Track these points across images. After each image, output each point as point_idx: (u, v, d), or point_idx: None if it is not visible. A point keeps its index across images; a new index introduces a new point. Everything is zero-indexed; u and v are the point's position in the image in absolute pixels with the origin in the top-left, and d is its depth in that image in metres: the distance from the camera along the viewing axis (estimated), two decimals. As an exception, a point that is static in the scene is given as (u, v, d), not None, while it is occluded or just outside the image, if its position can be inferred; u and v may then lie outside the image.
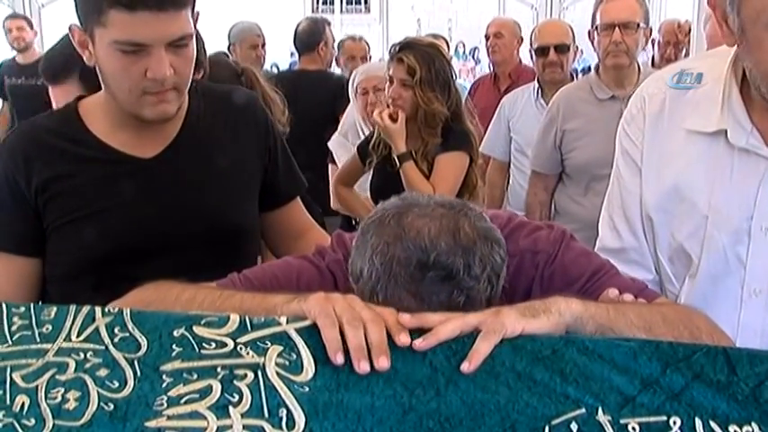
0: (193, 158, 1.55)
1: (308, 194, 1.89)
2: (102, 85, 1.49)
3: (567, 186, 3.02)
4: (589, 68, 4.34)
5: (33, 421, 0.96)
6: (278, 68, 11.24)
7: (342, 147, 3.28)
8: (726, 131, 1.31)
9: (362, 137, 3.19)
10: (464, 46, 13.75)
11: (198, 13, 1.48)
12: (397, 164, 2.68)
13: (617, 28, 2.77)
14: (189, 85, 1.50)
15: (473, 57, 12.59)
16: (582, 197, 2.89)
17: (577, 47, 3.59)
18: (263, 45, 4.29)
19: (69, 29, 1.46)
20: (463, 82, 10.65)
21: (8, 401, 0.98)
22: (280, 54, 8.65)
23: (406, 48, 2.76)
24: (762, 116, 1.29)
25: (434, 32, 5.77)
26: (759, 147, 1.29)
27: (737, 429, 0.96)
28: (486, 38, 4.31)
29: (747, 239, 1.30)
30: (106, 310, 1.06)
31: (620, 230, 1.48)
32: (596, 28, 2.86)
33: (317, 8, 12.11)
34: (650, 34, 2.99)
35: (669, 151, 1.40)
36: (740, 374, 0.99)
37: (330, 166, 3.26)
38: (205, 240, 1.54)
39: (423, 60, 2.74)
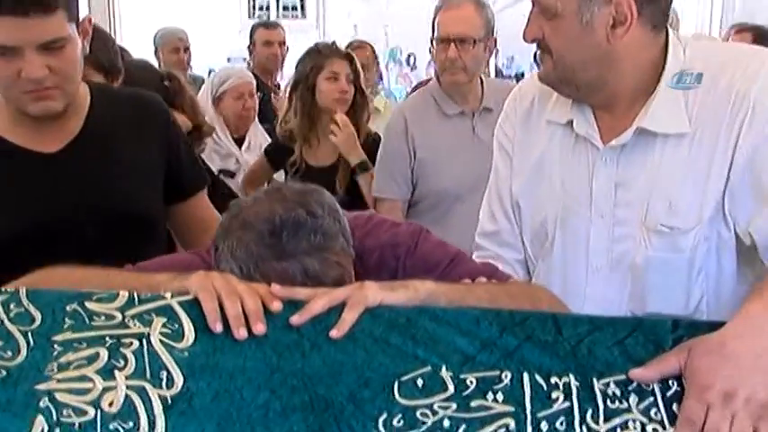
0: (95, 153, 1.64)
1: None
2: None
3: (423, 212, 2.65)
4: (522, 75, 4.38)
5: None
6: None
7: (207, 157, 3.25)
8: (573, 121, 1.46)
9: (224, 142, 3.31)
10: (401, 51, 13.92)
11: (89, 19, 1.57)
12: (355, 173, 2.82)
13: (452, 43, 2.51)
14: (75, 83, 1.58)
15: (408, 63, 12.77)
16: (441, 223, 2.46)
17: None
18: (186, 49, 4.35)
19: None
20: (400, 87, 10.76)
21: None
22: (217, 59, 8.69)
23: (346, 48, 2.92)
24: (600, 113, 1.44)
25: (368, 38, 5.87)
26: (594, 137, 1.43)
27: (557, 380, 1.10)
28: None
29: (589, 223, 1.45)
30: (2, 289, 1.16)
31: (495, 215, 1.62)
32: (433, 39, 2.59)
33: (254, 14, 12.15)
34: (494, 45, 2.66)
35: (534, 141, 1.54)
36: (564, 335, 1.14)
37: None
38: (107, 231, 1.62)
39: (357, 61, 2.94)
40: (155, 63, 3.95)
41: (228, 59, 8.89)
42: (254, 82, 3.58)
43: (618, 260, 1.43)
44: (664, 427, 1.07)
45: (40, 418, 1.03)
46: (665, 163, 1.37)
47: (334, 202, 1.28)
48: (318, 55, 2.93)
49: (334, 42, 3.04)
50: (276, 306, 1.13)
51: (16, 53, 1.45)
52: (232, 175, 3.34)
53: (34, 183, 1.60)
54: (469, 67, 2.55)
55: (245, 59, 4.84)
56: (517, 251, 1.60)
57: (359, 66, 2.95)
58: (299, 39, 5.38)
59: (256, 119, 3.54)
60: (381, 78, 11.69)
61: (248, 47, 4.51)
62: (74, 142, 1.64)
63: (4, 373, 1.07)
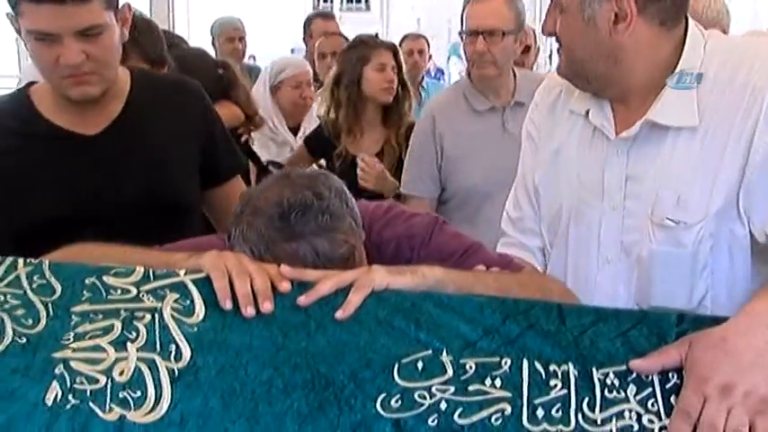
0: (133, 136, 1.70)
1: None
2: None
3: (451, 210, 2.60)
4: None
5: None
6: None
7: (263, 145, 3.33)
8: (589, 111, 1.46)
9: (280, 130, 3.33)
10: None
11: (128, 7, 1.63)
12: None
13: (480, 36, 2.45)
14: (112, 69, 1.64)
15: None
16: (472, 221, 2.44)
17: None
18: (242, 39, 4.41)
19: (7, 16, 1.60)
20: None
21: None
22: (280, 50, 8.83)
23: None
24: (618, 105, 1.44)
25: (432, 32, 5.88)
26: (608, 128, 1.44)
27: (556, 368, 1.11)
28: None
29: (602, 215, 1.45)
30: (27, 261, 1.22)
31: (520, 202, 1.63)
32: (461, 33, 2.55)
33: (318, 5, 12.27)
34: (526, 39, 2.63)
35: (556, 131, 1.55)
36: (568, 325, 1.15)
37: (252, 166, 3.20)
38: (141, 213, 1.68)
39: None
40: (212, 53, 4.03)
41: (292, 51, 9.01)
42: (311, 71, 3.62)
43: (627, 252, 1.43)
44: (660, 418, 1.07)
45: (55, 384, 1.09)
46: (675, 157, 1.36)
47: (342, 185, 1.31)
48: (364, 47, 2.97)
49: (376, 34, 3.09)
50: (285, 286, 1.16)
51: (55, 40, 1.52)
52: (281, 166, 3.40)
53: (76, 164, 1.67)
54: (499, 60, 2.49)
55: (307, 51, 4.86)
56: (539, 239, 1.61)
57: (402, 58, 2.98)
58: (362, 32, 5.40)
59: (313, 107, 3.59)
60: (442, 73, 11.67)
61: (304, 38, 4.55)
62: (112, 125, 1.70)
63: (25, 340, 1.13)
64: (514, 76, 2.61)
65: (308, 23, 4.53)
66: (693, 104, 1.34)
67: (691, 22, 1.40)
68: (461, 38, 2.57)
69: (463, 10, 2.55)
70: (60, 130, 1.67)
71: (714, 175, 1.33)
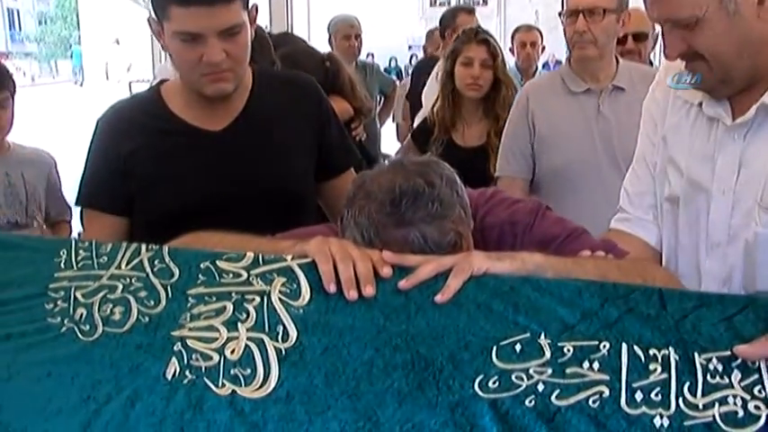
0: (255, 131, 1.78)
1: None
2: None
3: (542, 188, 2.62)
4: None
5: (88, 327, 1.22)
6: (396, 61, 11.54)
7: None
8: (702, 103, 1.43)
9: None
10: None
11: (256, 8, 1.70)
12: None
13: (581, 15, 2.39)
14: (245, 66, 1.72)
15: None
16: (561, 200, 2.35)
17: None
18: (357, 36, 4.49)
19: (148, 21, 1.72)
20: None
21: (71, 312, 1.24)
22: (397, 46, 8.94)
23: (485, 33, 2.96)
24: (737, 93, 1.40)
25: (550, 25, 5.80)
26: (724, 117, 1.40)
27: (656, 352, 1.09)
28: None
29: (710, 199, 1.41)
30: (149, 246, 1.30)
31: (640, 176, 1.61)
32: (561, 14, 2.50)
33: (435, 2, 12.26)
34: (629, 19, 2.52)
35: (670, 115, 1.53)
36: (669, 309, 1.12)
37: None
38: (262, 204, 1.75)
39: (498, 46, 2.96)
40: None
41: (410, 47, 9.08)
42: None
43: (735, 236, 1.39)
44: (767, 405, 1.03)
45: (174, 360, 1.16)
46: None
47: (453, 173, 1.32)
48: (457, 40, 3.00)
49: (476, 27, 3.08)
50: (386, 271, 1.19)
51: (200, 40, 1.62)
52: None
53: (202, 158, 1.77)
54: (600, 39, 2.43)
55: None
56: (660, 216, 1.57)
57: (498, 50, 2.97)
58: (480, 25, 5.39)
59: None
60: (558, 62, 11.47)
61: (443, 32, 4.51)
62: (236, 121, 1.79)
63: (147, 319, 1.21)
64: (617, 62, 2.55)
65: (452, 17, 4.47)
66: None
67: None
68: (561, 21, 2.51)
69: None
70: (188, 125, 1.77)
71: None
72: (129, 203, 1.78)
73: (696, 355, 1.08)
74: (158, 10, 1.64)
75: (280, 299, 1.20)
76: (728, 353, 1.07)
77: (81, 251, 1.31)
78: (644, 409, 1.05)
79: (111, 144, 1.77)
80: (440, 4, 11.62)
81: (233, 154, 1.77)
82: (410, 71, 6.34)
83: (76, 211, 1.92)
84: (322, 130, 1.90)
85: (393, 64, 11.30)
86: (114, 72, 24.55)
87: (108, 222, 1.78)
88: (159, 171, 1.75)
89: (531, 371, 1.10)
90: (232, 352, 1.16)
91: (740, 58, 1.35)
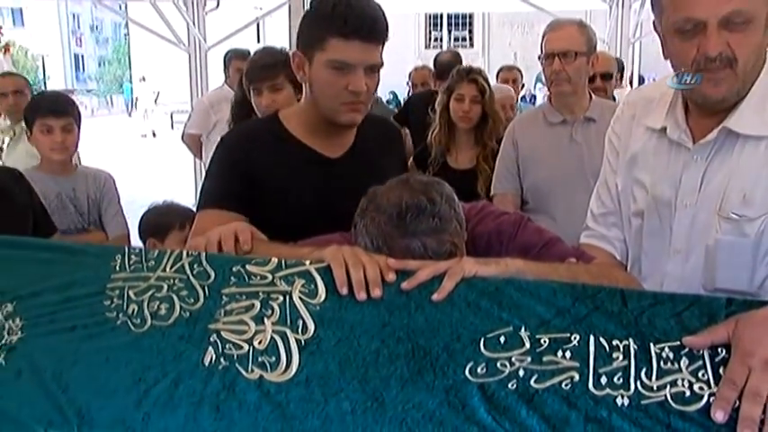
0: (363, 162, 1.92)
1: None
2: (307, 98, 1.88)
3: (526, 203, 2.94)
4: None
5: (139, 321, 1.36)
6: (395, 95, 11.90)
7: None
8: (666, 128, 1.58)
9: None
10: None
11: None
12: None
13: (556, 57, 2.70)
14: (371, 101, 1.87)
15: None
16: (541, 212, 2.77)
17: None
18: None
19: (292, 54, 1.85)
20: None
21: (125, 308, 1.38)
22: (397, 82, 9.26)
23: (475, 72, 3.19)
24: (694, 118, 1.54)
25: (526, 64, 6.08)
26: (687, 141, 1.54)
27: (618, 342, 1.23)
28: None
29: (673, 211, 1.55)
30: (189, 252, 1.44)
31: (603, 199, 1.75)
32: (540, 57, 2.80)
33: (430, 44, 12.62)
34: (597, 61, 2.85)
35: (632, 142, 1.67)
36: (629, 306, 1.26)
37: None
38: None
39: (487, 83, 3.20)
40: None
41: (407, 83, 9.36)
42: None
43: (695, 243, 1.52)
44: (709, 386, 1.16)
45: (210, 349, 1.30)
46: (743, 160, 1.46)
47: (452, 192, 1.47)
48: (452, 79, 3.28)
49: (468, 67, 3.35)
50: (391, 277, 1.32)
51: (348, 70, 1.75)
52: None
53: (321, 179, 1.89)
54: (573, 77, 2.73)
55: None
56: (621, 231, 1.72)
57: (486, 87, 3.24)
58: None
59: None
60: (534, 98, 11.98)
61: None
62: (349, 152, 1.94)
63: (188, 314, 1.36)
64: (590, 98, 2.86)
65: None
66: (766, 115, 1.43)
67: None
68: (541, 63, 2.82)
69: (542, 40, 2.80)
70: (310, 149, 1.90)
71: None
72: (249, 207, 1.83)
73: (651, 345, 1.21)
74: (313, 41, 1.77)
75: (300, 297, 1.34)
76: (678, 343, 1.21)
77: (132, 256, 1.45)
78: (608, 390, 1.18)
79: (239, 155, 1.87)
80: (433, 47, 12.05)
81: (346, 179, 1.85)
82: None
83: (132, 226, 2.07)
84: (404, 167, 2.13)
85: (393, 96, 11.71)
86: (142, 104, 25.88)
87: (228, 220, 1.76)
88: (279, 186, 1.86)
89: (513, 359, 1.23)
90: (260, 342, 1.29)
91: (754, 71, 1.44)
